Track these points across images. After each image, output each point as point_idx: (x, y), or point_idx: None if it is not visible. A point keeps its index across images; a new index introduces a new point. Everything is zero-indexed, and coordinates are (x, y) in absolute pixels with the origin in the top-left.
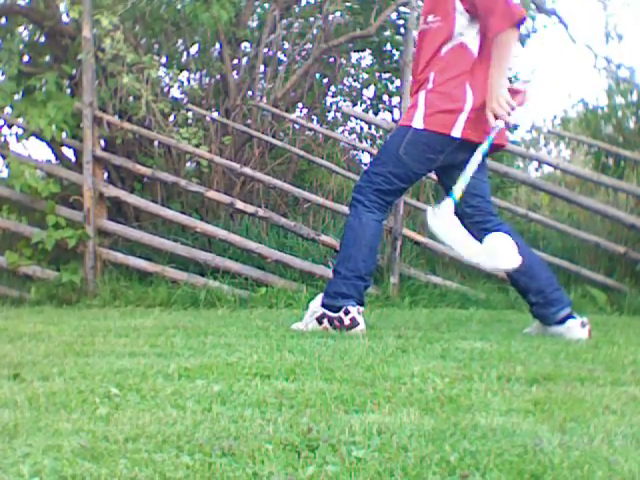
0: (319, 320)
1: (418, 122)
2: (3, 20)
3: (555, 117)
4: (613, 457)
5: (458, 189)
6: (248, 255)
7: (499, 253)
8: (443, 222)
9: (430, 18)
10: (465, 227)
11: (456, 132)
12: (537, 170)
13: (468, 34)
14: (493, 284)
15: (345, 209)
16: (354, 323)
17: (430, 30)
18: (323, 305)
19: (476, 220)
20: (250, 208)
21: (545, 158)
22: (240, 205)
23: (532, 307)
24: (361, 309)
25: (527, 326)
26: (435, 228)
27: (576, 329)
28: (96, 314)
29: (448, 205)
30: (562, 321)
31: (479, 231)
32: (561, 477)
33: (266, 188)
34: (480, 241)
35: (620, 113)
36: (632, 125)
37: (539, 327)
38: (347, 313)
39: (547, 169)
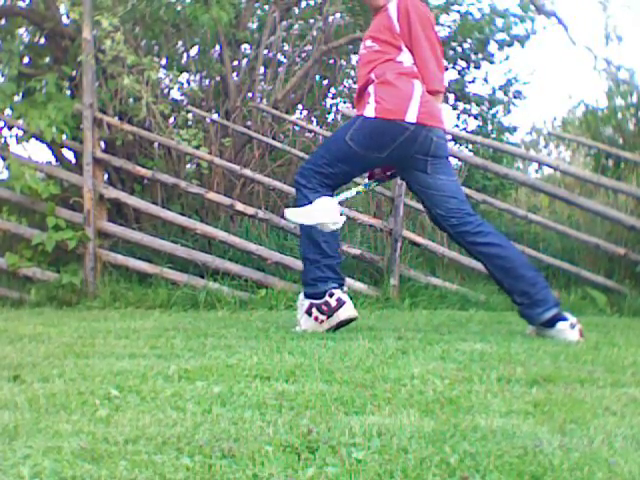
0: (308, 312)
1: (369, 111)
2: (3, 21)
3: (555, 119)
4: (613, 458)
5: (342, 196)
6: (248, 257)
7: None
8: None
9: (368, 43)
10: (445, 231)
11: (410, 117)
12: (537, 172)
13: (406, 59)
14: (493, 286)
15: (345, 209)
16: (340, 302)
17: (368, 54)
18: (307, 296)
19: (453, 223)
20: (250, 210)
21: (545, 160)
22: (240, 207)
23: (518, 308)
24: (345, 288)
25: (527, 328)
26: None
27: (566, 331)
28: (96, 316)
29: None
30: (551, 323)
31: (458, 235)
32: (561, 478)
33: (266, 190)
34: (466, 247)
35: (620, 115)
36: (632, 127)
37: (535, 328)
38: (331, 295)
39: (547, 171)
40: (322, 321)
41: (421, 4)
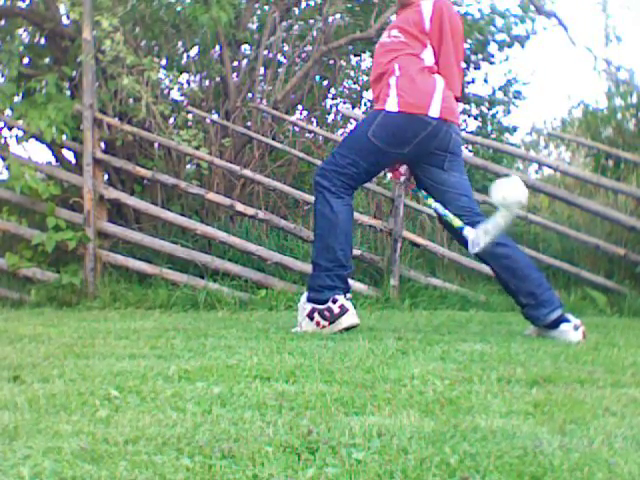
0: (310, 316)
1: (391, 105)
2: (3, 22)
3: (555, 119)
4: (613, 459)
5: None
6: (248, 257)
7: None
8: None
9: (395, 32)
10: (451, 230)
11: (434, 112)
12: (537, 172)
13: (428, 57)
14: (493, 286)
15: None
16: (343, 310)
17: (392, 43)
18: (310, 300)
19: (464, 221)
20: (250, 210)
21: (545, 160)
22: (240, 207)
23: (523, 309)
24: (348, 295)
25: (527, 328)
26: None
27: (570, 332)
28: (96, 316)
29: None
30: (555, 324)
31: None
32: (561, 479)
33: (266, 190)
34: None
35: (620, 115)
36: (632, 127)
37: (537, 329)
38: (335, 301)
39: (547, 171)
40: (323, 326)
41: (456, 12)
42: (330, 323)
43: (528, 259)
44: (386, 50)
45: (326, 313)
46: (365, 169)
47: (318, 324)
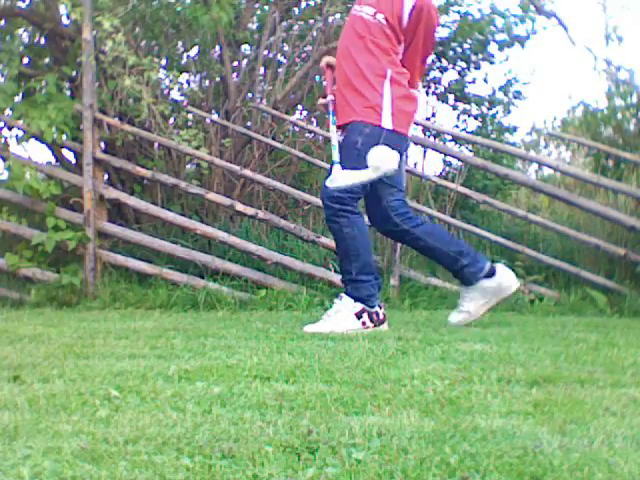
0: (358, 315)
1: (387, 121)
2: (3, 22)
3: (555, 119)
4: (613, 459)
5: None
6: (248, 257)
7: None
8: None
9: (368, 10)
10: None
11: (410, 131)
12: (537, 172)
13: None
14: None
15: None
16: (385, 317)
17: (368, 23)
18: (357, 299)
19: (401, 212)
20: (250, 210)
21: (545, 160)
22: (240, 207)
23: (462, 270)
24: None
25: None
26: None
27: (507, 273)
28: (96, 316)
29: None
30: (492, 272)
31: (404, 220)
32: (561, 479)
33: (266, 190)
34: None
35: (620, 115)
36: (632, 127)
37: (471, 298)
38: (381, 307)
39: (547, 171)
40: (368, 327)
41: (436, 11)
42: (375, 326)
43: (441, 228)
44: (358, 31)
45: (374, 316)
46: (368, 183)
47: (364, 324)
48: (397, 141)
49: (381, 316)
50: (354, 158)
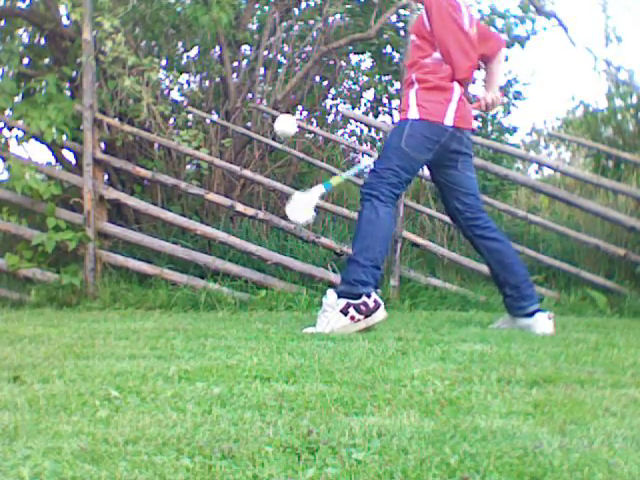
0: (344, 311)
1: (413, 113)
2: (2, 22)
3: (555, 120)
4: (613, 459)
5: (336, 180)
6: (248, 258)
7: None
8: (300, 202)
9: (412, 37)
10: (457, 223)
11: (448, 120)
12: (537, 172)
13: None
14: (493, 286)
15: (345, 211)
16: (377, 304)
17: (412, 47)
18: (342, 295)
19: (467, 217)
20: (250, 210)
21: (545, 160)
22: (240, 207)
23: (506, 298)
24: (378, 290)
25: (495, 321)
26: (292, 205)
27: (544, 321)
28: (96, 316)
29: (318, 190)
30: (531, 315)
31: (469, 227)
32: (561, 479)
33: (266, 190)
34: (473, 239)
35: (620, 116)
36: (632, 128)
37: (508, 321)
38: (369, 296)
39: (547, 171)
40: (358, 320)
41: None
42: (366, 317)
43: (519, 258)
44: (410, 53)
45: (362, 307)
46: (405, 177)
47: (353, 318)
48: (427, 129)
49: (371, 304)
50: (384, 151)
